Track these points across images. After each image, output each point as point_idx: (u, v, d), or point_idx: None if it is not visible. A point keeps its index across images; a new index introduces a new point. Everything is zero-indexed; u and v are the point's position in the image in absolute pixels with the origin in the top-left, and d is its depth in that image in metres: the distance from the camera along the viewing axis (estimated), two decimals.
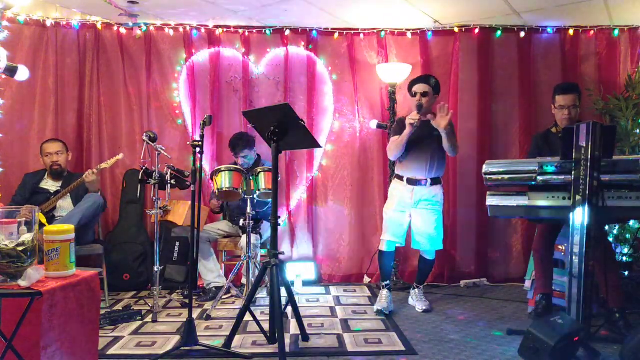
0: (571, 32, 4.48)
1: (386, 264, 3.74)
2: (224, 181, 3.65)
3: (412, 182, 3.61)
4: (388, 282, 3.73)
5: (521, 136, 4.52)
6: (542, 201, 2.86)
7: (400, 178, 3.67)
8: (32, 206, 2.18)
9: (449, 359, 2.76)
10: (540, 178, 2.84)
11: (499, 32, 4.49)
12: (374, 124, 4.41)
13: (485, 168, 2.98)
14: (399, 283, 4.38)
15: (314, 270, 4.54)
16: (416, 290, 3.83)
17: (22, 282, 1.92)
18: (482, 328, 3.28)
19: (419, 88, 3.60)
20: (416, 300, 3.76)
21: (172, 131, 4.55)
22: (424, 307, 3.67)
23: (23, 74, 3.30)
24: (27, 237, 1.99)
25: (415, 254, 4.05)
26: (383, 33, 4.55)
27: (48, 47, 4.30)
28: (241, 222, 3.74)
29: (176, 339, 3.08)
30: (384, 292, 3.70)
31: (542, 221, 3.30)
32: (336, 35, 4.59)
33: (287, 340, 3.03)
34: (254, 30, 4.56)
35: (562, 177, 2.79)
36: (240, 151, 4.07)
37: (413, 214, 3.63)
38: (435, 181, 3.63)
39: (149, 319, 3.48)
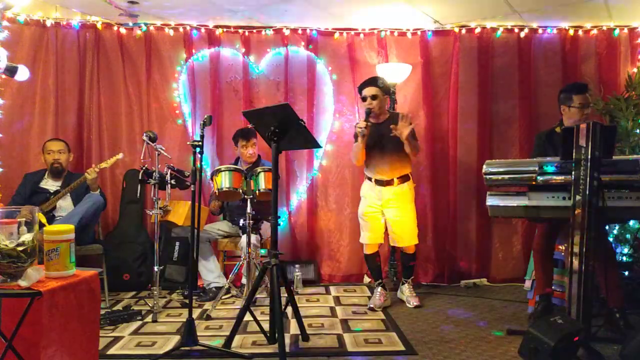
0: (571, 32, 4.48)
1: (373, 265, 3.88)
2: (224, 181, 3.65)
3: (379, 182, 3.71)
4: (380, 280, 3.84)
5: (521, 136, 4.52)
6: (542, 201, 2.86)
7: (369, 179, 3.77)
8: (32, 206, 2.18)
9: (449, 359, 2.76)
10: (540, 178, 2.84)
11: (499, 32, 4.49)
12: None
13: (485, 168, 2.98)
14: (399, 283, 4.37)
15: (314, 270, 4.54)
16: (405, 285, 3.90)
17: (22, 282, 1.92)
18: (482, 328, 3.28)
19: (368, 91, 3.67)
20: (407, 296, 3.84)
21: (172, 131, 4.55)
22: (416, 303, 3.76)
23: (23, 74, 3.30)
24: (27, 237, 1.99)
25: None
26: (383, 33, 4.55)
27: (48, 47, 4.29)
28: (241, 222, 3.74)
29: (176, 339, 3.08)
30: (378, 290, 3.81)
31: (542, 221, 3.29)
32: (336, 35, 4.59)
33: (287, 340, 3.03)
34: (254, 30, 4.56)
35: (562, 177, 2.79)
36: (252, 137, 4.10)
37: (384, 212, 3.74)
38: (403, 178, 3.70)
39: (149, 319, 3.48)
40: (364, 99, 3.68)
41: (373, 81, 3.69)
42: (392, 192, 3.68)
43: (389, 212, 3.72)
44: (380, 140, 3.63)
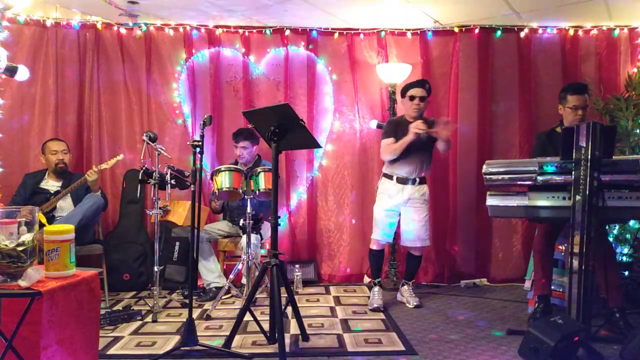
0: (571, 32, 4.49)
1: (378, 263, 3.89)
2: (224, 181, 3.65)
3: (401, 180, 3.72)
4: (379, 280, 3.86)
5: (521, 136, 4.52)
6: (542, 201, 2.86)
7: (390, 177, 3.76)
8: (32, 206, 2.18)
9: (449, 359, 2.76)
10: (540, 178, 2.84)
11: (499, 32, 4.49)
12: (374, 124, 4.42)
13: (485, 168, 2.97)
14: (400, 283, 4.37)
15: (314, 270, 4.54)
16: (405, 286, 3.92)
17: (22, 282, 1.92)
18: (482, 328, 3.28)
19: (418, 92, 3.67)
20: (408, 297, 3.85)
21: (172, 131, 4.55)
22: (415, 303, 3.78)
23: (23, 74, 3.30)
24: (27, 237, 1.99)
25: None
26: (383, 33, 4.55)
27: (48, 47, 4.29)
28: (241, 222, 3.74)
29: (176, 339, 3.08)
30: (376, 289, 3.80)
31: (542, 221, 3.29)
32: (336, 35, 4.59)
33: (287, 340, 3.03)
34: (254, 30, 4.56)
35: (562, 177, 2.79)
36: (240, 140, 4.11)
37: (402, 212, 3.76)
38: (422, 180, 3.78)
39: (149, 319, 3.48)
40: (411, 98, 3.66)
41: (422, 83, 3.72)
42: (413, 191, 3.72)
43: (407, 211, 3.75)
44: (415, 141, 3.59)
